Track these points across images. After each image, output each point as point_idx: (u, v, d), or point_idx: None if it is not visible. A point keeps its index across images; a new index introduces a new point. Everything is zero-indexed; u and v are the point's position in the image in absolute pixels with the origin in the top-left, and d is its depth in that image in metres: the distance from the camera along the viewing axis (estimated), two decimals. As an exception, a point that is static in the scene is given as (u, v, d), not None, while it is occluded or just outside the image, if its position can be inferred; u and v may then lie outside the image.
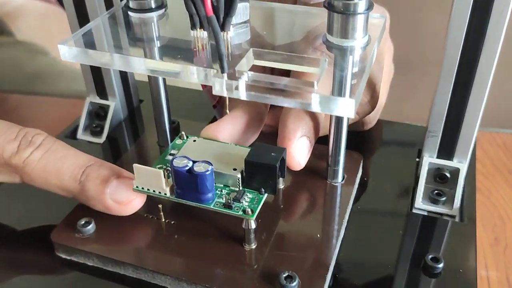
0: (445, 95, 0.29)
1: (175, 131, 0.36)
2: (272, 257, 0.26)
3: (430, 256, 0.27)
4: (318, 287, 0.25)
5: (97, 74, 0.38)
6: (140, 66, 0.26)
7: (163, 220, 0.29)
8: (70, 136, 0.38)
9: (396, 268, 0.27)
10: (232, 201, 0.26)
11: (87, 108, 0.39)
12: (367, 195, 0.32)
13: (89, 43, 0.27)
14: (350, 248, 0.28)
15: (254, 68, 0.25)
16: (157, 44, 0.28)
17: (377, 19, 0.28)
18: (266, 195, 0.27)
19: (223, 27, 0.26)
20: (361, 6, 0.24)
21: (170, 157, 0.30)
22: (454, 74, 0.28)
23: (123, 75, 0.38)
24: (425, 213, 0.31)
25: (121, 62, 0.26)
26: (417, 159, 0.34)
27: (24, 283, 0.28)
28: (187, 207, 0.27)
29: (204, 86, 0.39)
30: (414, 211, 0.31)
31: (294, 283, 0.25)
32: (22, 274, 0.28)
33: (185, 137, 0.31)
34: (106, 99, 0.39)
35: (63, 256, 0.28)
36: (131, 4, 0.29)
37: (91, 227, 0.28)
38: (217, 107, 0.39)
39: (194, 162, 0.26)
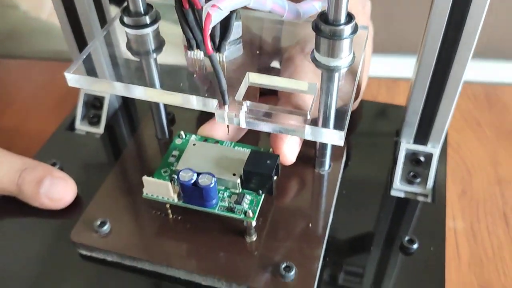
0: (420, 93, 0.32)
1: (171, 122, 0.38)
2: (271, 248, 0.30)
3: (406, 238, 0.31)
4: (312, 275, 0.29)
5: (89, 65, 0.39)
6: (142, 94, 0.28)
7: (171, 216, 0.32)
8: (69, 128, 0.40)
9: (377, 248, 0.32)
10: (234, 204, 0.30)
11: (82, 100, 0.40)
12: (351, 179, 0.35)
13: (90, 67, 0.29)
14: (337, 232, 0.32)
15: (250, 88, 0.27)
16: (155, 68, 0.30)
17: (361, 30, 0.30)
18: (263, 195, 0.31)
19: (219, 49, 0.28)
20: (347, 31, 0.26)
21: (172, 159, 0.33)
22: (430, 75, 0.31)
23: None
24: (402, 194, 0.35)
25: (124, 90, 0.28)
26: (395, 139, 0.38)
27: (50, 278, 0.31)
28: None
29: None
30: (392, 192, 0.35)
31: (292, 272, 0.29)
32: (46, 270, 0.31)
33: (183, 136, 0.34)
34: (101, 89, 0.40)
35: (84, 252, 0.32)
36: (126, 20, 0.30)
37: (107, 227, 0.31)
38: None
39: (198, 174, 0.29)
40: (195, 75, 0.29)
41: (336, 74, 0.27)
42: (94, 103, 0.40)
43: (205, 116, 0.40)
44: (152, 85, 0.30)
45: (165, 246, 0.31)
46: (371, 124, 0.41)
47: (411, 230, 0.32)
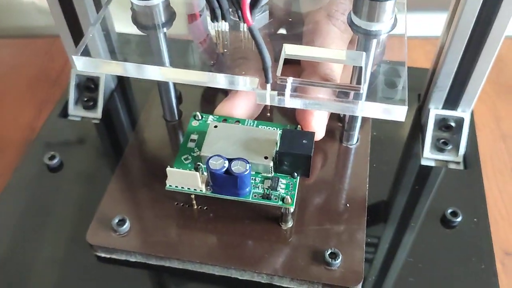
0: (456, 55, 0.30)
1: (179, 101, 0.35)
2: (310, 234, 0.28)
3: (449, 210, 0.30)
4: (359, 259, 0.27)
5: (79, 40, 0.35)
6: (166, 75, 0.25)
7: (196, 207, 0.29)
8: (61, 114, 0.36)
9: (416, 222, 0.30)
10: (269, 191, 0.27)
11: (74, 81, 0.36)
12: (377, 151, 0.33)
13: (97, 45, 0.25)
14: (373, 208, 0.30)
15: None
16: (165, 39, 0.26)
17: None
18: (298, 177, 0.28)
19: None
20: None
21: (192, 145, 0.30)
22: (469, 34, 0.29)
23: (109, 38, 0.36)
24: (433, 162, 0.33)
25: (140, 71, 0.25)
26: (418, 104, 0.36)
27: (69, 285, 0.28)
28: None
29: (200, 44, 0.37)
30: (423, 161, 0.33)
31: (339, 259, 0.27)
32: (63, 277, 0.28)
33: (200, 117, 0.31)
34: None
35: (103, 255, 0.29)
36: None
37: (126, 225, 0.28)
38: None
39: (230, 161, 0.26)
40: (218, 49, 0.26)
41: (375, 40, 0.25)
42: (87, 84, 0.36)
43: (210, 92, 0.36)
44: (164, 63, 0.26)
45: (194, 241, 0.28)
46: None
47: (451, 201, 0.31)
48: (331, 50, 0.25)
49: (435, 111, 0.33)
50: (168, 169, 0.27)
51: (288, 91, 0.24)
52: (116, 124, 0.36)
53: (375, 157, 0.33)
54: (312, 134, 0.28)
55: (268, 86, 0.24)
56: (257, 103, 0.25)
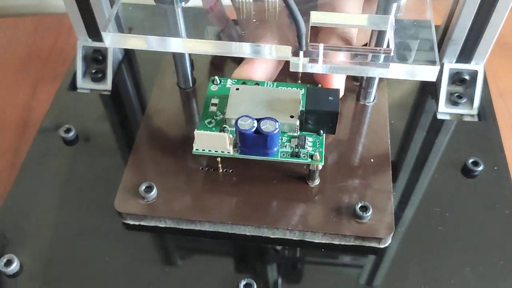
0: (472, 7, 0.30)
1: (191, 67, 0.34)
2: (338, 190, 0.28)
3: (471, 160, 0.30)
4: (388, 211, 0.28)
5: (86, 13, 0.34)
6: (188, 48, 0.25)
7: (221, 171, 0.29)
8: (70, 87, 0.36)
9: (438, 173, 0.30)
10: (298, 149, 0.27)
11: (80, 53, 0.35)
12: (395, 109, 0.34)
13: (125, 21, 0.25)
14: (397, 163, 0.31)
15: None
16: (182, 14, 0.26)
17: None
18: (324, 135, 0.28)
19: None
20: None
21: (213, 109, 0.29)
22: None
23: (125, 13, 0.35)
24: (448, 116, 0.33)
25: (165, 45, 0.25)
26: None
27: (98, 254, 0.28)
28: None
29: (210, 10, 0.37)
30: (438, 116, 0.33)
31: (369, 212, 0.27)
32: (93, 246, 0.28)
33: (218, 81, 0.31)
34: (100, 40, 0.35)
35: (132, 222, 0.29)
36: None
37: (154, 192, 0.28)
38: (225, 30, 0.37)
39: (258, 120, 0.26)
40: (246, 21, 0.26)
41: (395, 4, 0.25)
42: (94, 56, 0.35)
43: (219, 59, 0.36)
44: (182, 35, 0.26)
45: (223, 203, 0.28)
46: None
47: (470, 151, 0.31)
48: (356, 16, 0.25)
49: (449, 65, 0.33)
50: (196, 132, 0.27)
51: (320, 57, 0.24)
52: (127, 95, 0.35)
53: (392, 114, 0.33)
54: (337, 91, 0.28)
55: (301, 53, 0.24)
56: (291, 70, 0.25)
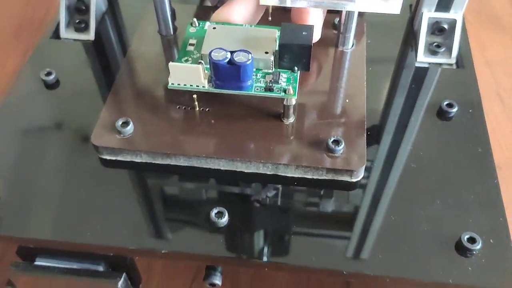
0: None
1: (173, 17, 0.35)
2: (312, 127, 0.29)
3: (445, 102, 0.31)
4: (361, 146, 0.28)
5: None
6: None
7: (198, 109, 0.30)
8: (53, 36, 0.36)
9: (413, 115, 0.31)
10: (271, 84, 0.28)
11: (64, 3, 0.36)
12: (373, 56, 0.34)
13: None
14: (373, 106, 0.31)
15: None
16: None
17: None
18: (299, 72, 0.29)
19: None
20: None
21: (191, 48, 0.30)
22: None
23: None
24: (427, 65, 0.34)
25: None
26: (409, 14, 0.37)
27: (74, 190, 0.28)
28: (218, 95, 0.28)
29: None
30: (417, 64, 0.34)
31: (341, 146, 0.27)
32: (71, 181, 0.28)
33: (197, 24, 0.31)
34: (84, -10, 0.36)
35: (108, 157, 0.29)
36: None
37: (130, 127, 0.28)
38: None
39: (232, 52, 0.27)
40: None
41: None
42: (78, 6, 0.36)
43: (202, 12, 0.37)
44: None
45: (199, 139, 0.28)
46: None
47: (446, 95, 0.31)
48: None
49: (428, 14, 0.34)
50: (171, 63, 0.27)
51: None
52: (110, 44, 0.36)
53: (370, 62, 0.33)
54: (311, 26, 0.28)
55: None
56: (260, 4, 0.26)
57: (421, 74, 0.33)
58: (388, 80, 0.33)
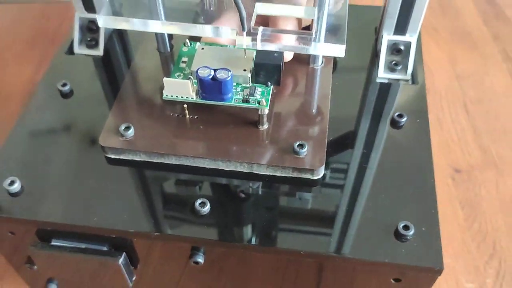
0: (400, -15, 0.36)
1: (170, 36, 0.41)
2: (282, 133, 0.34)
3: (396, 114, 0.36)
4: (321, 149, 0.33)
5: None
6: (164, 28, 0.32)
7: (188, 116, 0.35)
8: (68, 52, 0.42)
9: (370, 125, 0.36)
10: (248, 96, 0.33)
11: (78, 23, 0.42)
12: (340, 72, 0.40)
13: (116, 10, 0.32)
14: (336, 115, 0.36)
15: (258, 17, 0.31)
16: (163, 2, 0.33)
17: None
18: (272, 86, 0.34)
19: None
20: None
21: (183, 65, 0.36)
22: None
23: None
24: (386, 81, 0.39)
25: (146, 26, 0.32)
26: (375, 36, 0.42)
27: (84, 182, 0.34)
28: (206, 105, 0.34)
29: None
30: (378, 80, 0.39)
31: (305, 149, 0.33)
32: (81, 175, 0.34)
33: (189, 44, 0.37)
34: (94, 12, 0.42)
35: (113, 156, 0.35)
36: None
37: (131, 131, 0.34)
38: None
39: (215, 70, 0.32)
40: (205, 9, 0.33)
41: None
42: (89, 26, 0.42)
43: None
44: (161, 18, 0.33)
45: (188, 141, 0.34)
46: (353, 24, 0.45)
47: (399, 107, 0.37)
48: (292, 7, 0.32)
49: (388, 36, 0.39)
50: (165, 79, 0.33)
51: (259, 37, 0.30)
52: (116, 59, 0.42)
53: (338, 77, 0.39)
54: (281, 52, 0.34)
55: (244, 33, 0.30)
56: (236, 47, 0.31)
57: (380, 88, 0.39)
58: (352, 93, 0.39)
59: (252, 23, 0.31)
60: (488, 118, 0.54)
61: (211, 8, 0.34)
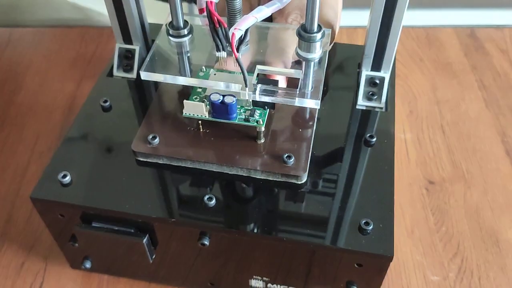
0: (374, 34, 0.45)
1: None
2: (275, 146, 0.44)
3: (368, 135, 0.45)
4: (305, 160, 0.42)
5: (123, 26, 0.50)
6: (189, 83, 0.42)
7: (202, 130, 0.45)
8: (109, 75, 0.52)
9: (347, 143, 0.45)
10: (248, 116, 0.43)
11: (117, 52, 0.52)
12: (326, 99, 0.49)
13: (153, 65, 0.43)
14: (320, 133, 0.46)
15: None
16: (189, 60, 0.43)
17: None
18: (268, 110, 0.44)
19: (237, 50, 0.40)
20: (318, 37, 0.39)
21: (199, 89, 0.45)
22: (380, 21, 0.44)
23: (142, 25, 0.51)
24: (364, 107, 0.48)
25: (175, 80, 0.42)
26: (357, 70, 0.51)
27: (119, 178, 0.43)
28: (216, 122, 0.43)
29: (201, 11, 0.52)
30: (357, 107, 0.48)
31: (292, 159, 0.42)
32: (117, 173, 0.44)
33: (204, 69, 0.46)
34: (131, 44, 0.52)
35: (141, 159, 0.44)
36: (170, 32, 0.43)
37: (157, 140, 0.44)
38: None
39: (223, 95, 0.42)
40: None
41: (312, 63, 0.41)
42: (126, 54, 0.52)
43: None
44: (188, 75, 0.43)
45: (200, 149, 0.44)
46: (339, 60, 0.54)
47: (371, 130, 0.46)
48: (283, 69, 0.42)
49: (366, 72, 0.48)
50: (185, 101, 0.43)
51: (257, 92, 0.40)
52: (147, 82, 0.51)
53: (324, 103, 0.48)
54: (277, 81, 0.43)
55: (247, 89, 0.40)
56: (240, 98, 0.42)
57: (358, 114, 0.48)
58: (335, 117, 0.48)
59: (254, 81, 0.41)
60: (461, 139, 0.62)
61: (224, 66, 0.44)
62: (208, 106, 0.43)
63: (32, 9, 0.83)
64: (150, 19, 0.53)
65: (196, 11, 0.49)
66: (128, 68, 0.52)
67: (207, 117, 0.43)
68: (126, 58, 0.52)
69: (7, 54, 0.75)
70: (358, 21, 0.72)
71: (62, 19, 0.83)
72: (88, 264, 0.47)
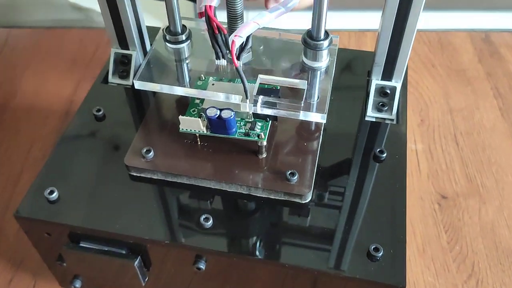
0: (386, 40, 0.42)
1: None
2: (277, 162, 0.41)
3: (378, 149, 0.42)
4: (309, 177, 0.39)
5: (119, 30, 0.47)
6: (186, 93, 0.40)
7: (199, 143, 0.42)
8: (103, 81, 0.49)
9: (355, 158, 0.42)
10: (249, 130, 0.40)
11: (113, 57, 0.49)
12: (333, 110, 0.46)
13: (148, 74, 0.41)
14: (326, 147, 0.43)
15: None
16: (187, 68, 0.41)
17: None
18: (270, 121, 0.41)
19: (238, 58, 0.38)
20: (325, 44, 0.36)
21: (197, 101, 0.42)
22: (392, 25, 0.41)
23: (139, 29, 0.48)
24: (374, 119, 0.45)
25: (172, 90, 0.40)
26: (367, 78, 0.48)
27: (110, 195, 0.41)
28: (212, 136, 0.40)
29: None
30: (366, 118, 0.45)
31: (296, 177, 0.39)
32: (107, 189, 0.41)
33: (203, 78, 0.43)
34: (127, 49, 0.49)
35: (135, 174, 0.41)
36: (167, 37, 0.40)
37: (151, 153, 0.41)
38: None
39: (220, 110, 0.39)
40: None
41: (318, 72, 0.38)
42: (122, 60, 0.49)
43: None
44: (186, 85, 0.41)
45: (197, 165, 0.41)
46: (347, 67, 0.51)
47: (381, 144, 0.43)
48: (287, 79, 0.40)
49: (376, 81, 0.45)
50: (181, 117, 0.40)
51: (259, 104, 0.38)
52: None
53: (332, 113, 0.45)
54: (278, 90, 0.40)
55: (248, 100, 0.37)
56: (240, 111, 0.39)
57: (368, 126, 0.45)
58: (342, 129, 0.44)
59: (255, 92, 0.38)
60: (476, 150, 0.59)
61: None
62: (205, 121, 0.40)
63: (30, 9, 0.81)
64: (152, 22, 0.50)
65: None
66: (124, 74, 0.49)
67: (205, 132, 0.40)
68: (122, 64, 0.49)
69: (3, 56, 0.73)
70: (368, 23, 0.69)
71: (61, 20, 0.81)
72: (78, 284, 0.44)
